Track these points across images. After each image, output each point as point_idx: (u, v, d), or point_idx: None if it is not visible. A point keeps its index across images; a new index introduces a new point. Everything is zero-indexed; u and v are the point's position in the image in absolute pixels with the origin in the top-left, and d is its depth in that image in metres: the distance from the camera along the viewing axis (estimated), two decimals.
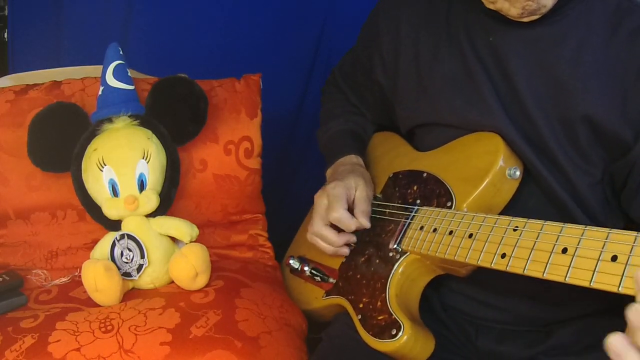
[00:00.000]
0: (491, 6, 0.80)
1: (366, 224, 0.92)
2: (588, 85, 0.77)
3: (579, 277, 0.59)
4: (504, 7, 0.77)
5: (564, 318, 0.86)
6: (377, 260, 0.89)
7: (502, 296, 0.86)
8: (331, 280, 0.98)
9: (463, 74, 0.86)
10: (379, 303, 0.84)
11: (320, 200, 0.95)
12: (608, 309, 0.83)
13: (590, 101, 0.77)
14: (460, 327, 0.92)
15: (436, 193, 0.87)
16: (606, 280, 0.57)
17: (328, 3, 1.62)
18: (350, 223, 0.92)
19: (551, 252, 0.63)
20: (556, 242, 0.63)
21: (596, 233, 0.60)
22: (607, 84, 0.76)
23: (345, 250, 0.95)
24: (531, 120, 0.80)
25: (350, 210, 0.93)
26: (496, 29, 0.82)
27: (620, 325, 0.82)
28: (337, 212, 0.91)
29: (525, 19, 0.78)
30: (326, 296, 0.98)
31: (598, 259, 0.58)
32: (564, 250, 0.61)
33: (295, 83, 1.67)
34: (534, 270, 0.63)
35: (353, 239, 0.95)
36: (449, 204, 0.84)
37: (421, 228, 0.84)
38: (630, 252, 0.56)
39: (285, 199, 1.69)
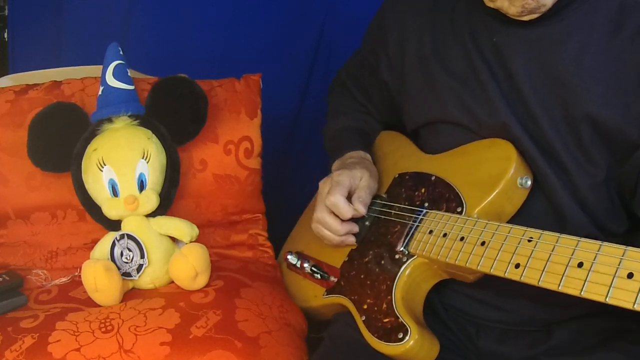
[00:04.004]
0: (490, 4, 0.80)
1: (361, 209, 0.91)
2: (590, 85, 0.77)
3: (594, 292, 0.59)
4: (503, 5, 0.77)
5: (564, 318, 0.86)
6: (383, 262, 0.89)
7: (504, 297, 0.86)
8: (332, 278, 0.97)
9: (469, 72, 0.86)
10: (384, 305, 0.84)
11: (324, 186, 0.95)
12: (608, 310, 0.82)
13: (592, 101, 0.76)
14: (461, 327, 0.91)
15: (445, 197, 0.86)
16: (622, 297, 0.58)
17: (328, 3, 1.62)
18: (345, 209, 0.91)
19: (567, 266, 0.62)
20: (572, 255, 0.62)
21: (613, 249, 0.60)
22: (609, 84, 0.76)
23: (352, 239, 0.94)
24: (535, 119, 0.80)
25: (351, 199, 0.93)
26: (499, 29, 0.83)
27: (621, 326, 0.83)
28: (334, 196, 0.90)
29: (525, 18, 0.78)
30: (327, 295, 0.97)
31: (614, 275, 0.58)
32: (580, 265, 0.61)
33: (295, 83, 1.67)
34: (548, 282, 0.63)
35: (355, 228, 0.93)
36: (459, 209, 0.83)
37: (430, 232, 0.83)
38: None
39: (285, 199, 1.69)
